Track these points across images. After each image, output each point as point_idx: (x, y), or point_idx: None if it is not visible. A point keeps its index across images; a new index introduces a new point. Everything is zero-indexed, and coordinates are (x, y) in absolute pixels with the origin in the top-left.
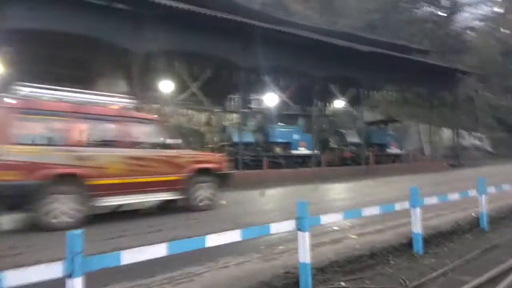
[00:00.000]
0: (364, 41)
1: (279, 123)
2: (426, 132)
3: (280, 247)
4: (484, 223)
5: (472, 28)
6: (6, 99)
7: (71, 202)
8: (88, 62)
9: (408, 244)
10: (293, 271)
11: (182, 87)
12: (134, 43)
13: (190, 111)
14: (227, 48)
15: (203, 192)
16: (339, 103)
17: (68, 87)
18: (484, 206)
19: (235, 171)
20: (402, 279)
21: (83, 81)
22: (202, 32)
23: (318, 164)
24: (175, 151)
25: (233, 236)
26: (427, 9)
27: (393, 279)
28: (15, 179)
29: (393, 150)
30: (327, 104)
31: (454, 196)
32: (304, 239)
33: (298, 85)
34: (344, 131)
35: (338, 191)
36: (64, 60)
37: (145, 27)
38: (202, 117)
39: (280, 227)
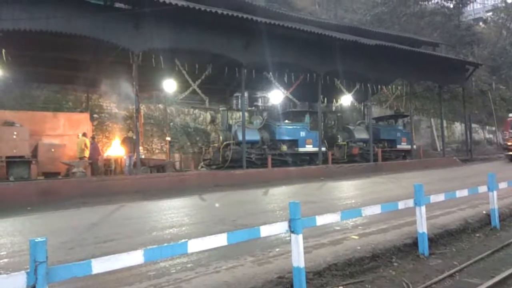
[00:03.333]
0: (372, 35)
1: (286, 121)
2: (438, 126)
3: (277, 250)
4: (495, 221)
5: (483, 20)
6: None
7: None
8: (89, 63)
9: (413, 245)
10: (287, 275)
11: (185, 86)
12: (134, 42)
13: (195, 110)
14: (228, 45)
15: None
16: (346, 99)
17: (69, 88)
18: (495, 203)
19: (240, 170)
20: (405, 282)
21: (85, 82)
22: (203, 29)
23: (325, 161)
24: None
25: (218, 240)
26: (436, 1)
27: (396, 282)
28: None
29: (403, 145)
30: (334, 100)
31: (463, 193)
32: (298, 242)
33: (303, 82)
34: (352, 127)
35: (344, 189)
36: (64, 62)
37: (144, 25)
38: (208, 116)
39: (272, 230)
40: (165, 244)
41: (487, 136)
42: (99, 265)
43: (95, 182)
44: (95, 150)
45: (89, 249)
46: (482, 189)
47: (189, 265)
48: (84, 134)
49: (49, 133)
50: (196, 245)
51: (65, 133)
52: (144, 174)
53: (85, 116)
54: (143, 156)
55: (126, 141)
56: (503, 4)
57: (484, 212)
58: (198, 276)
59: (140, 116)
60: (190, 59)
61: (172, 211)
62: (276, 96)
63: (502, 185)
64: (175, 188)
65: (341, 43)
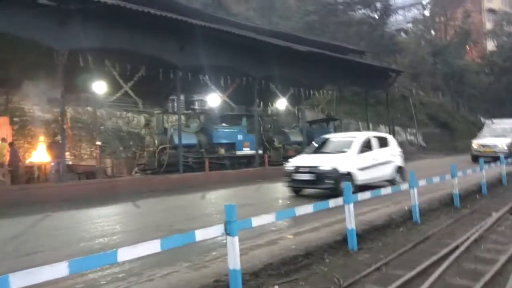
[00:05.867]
0: (304, 42)
1: (223, 124)
2: (364, 129)
3: (213, 253)
4: (416, 216)
5: (404, 30)
6: None
7: None
8: (8, 62)
9: (343, 241)
10: (224, 278)
11: (116, 88)
12: (59, 41)
13: (128, 113)
14: (163, 47)
15: None
16: (281, 103)
17: None
18: (415, 199)
19: (176, 174)
20: (336, 278)
21: (3, 83)
22: (135, 30)
23: (262, 164)
24: None
25: (151, 247)
26: (363, 11)
27: (328, 278)
28: None
29: None
30: (270, 104)
31: (387, 191)
32: (233, 244)
33: (240, 85)
34: (287, 130)
35: (280, 190)
36: None
37: (71, 23)
38: (142, 119)
39: (207, 233)
40: (92, 254)
41: (409, 137)
42: (19, 280)
43: (16, 191)
44: (14, 156)
45: (9, 263)
46: (404, 186)
47: (120, 275)
48: (3, 140)
49: None
50: (127, 254)
51: None
52: (72, 182)
53: (4, 120)
54: (70, 162)
55: (53, 146)
56: (422, 17)
57: (406, 208)
58: (130, 286)
59: (66, 119)
60: (121, 60)
61: (103, 219)
62: (213, 99)
63: (422, 182)
64: (107, 195)
65: (275, 49)
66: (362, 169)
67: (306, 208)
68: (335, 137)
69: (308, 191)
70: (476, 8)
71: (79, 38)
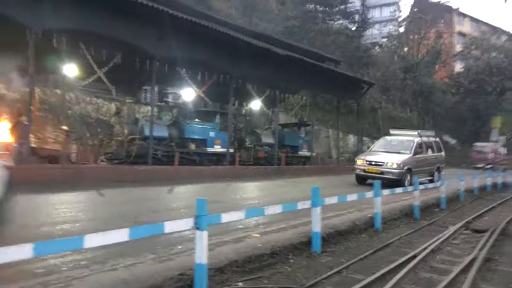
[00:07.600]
0: (283, 46)
1: (196, 119)
2: (334, 137)
3: (179, 247)
4: (378, 224)
5: (379, 44)
6: None
7: None
8: None
9: (307, 243)
10: (188, 272)
11: (89, 72)
12: (33, 19)
13: (99, 100)
14: (140, 35)
15: None
16: (255, 103)
17: None
18: (378, 207)
19: (144, 166)
20: (299, 278)
21: None
22: (112, 14)
23: (233, 162)
24: None
25: (119, 235)
26: (341, 22)
27: (291, 278)
28: None
29: (304, 152)
30: (244, 103)
31: (352, 197)
32: (202, 238)
33: (216, 82)
34: (259, 132)
35: (249, 189)
36: None
37: (47, 1)
38: (113, 107)
39: (176, 226)
40: (58, 238)
41: None
42: None
43: None
44: None
45: None
46: (369, 194)
47: (83, 263)
48: None
49: None
50: (94, 240)
51: None
52: (34, 165)
53: None
54: (33, 145)
55: (18, 126)
56: (396, 33)
57: (369, 215)
58: (92, 273)
59: (34, 100)
60: (97, 45)
61: (65, 205)
62: (187, 93)
63: (386, 192)
64: (70, 182)
65: (255, 49)
66: None
67: (275, 208)
68: None
69: None
70: (448, 30)
71: (54, 17)
